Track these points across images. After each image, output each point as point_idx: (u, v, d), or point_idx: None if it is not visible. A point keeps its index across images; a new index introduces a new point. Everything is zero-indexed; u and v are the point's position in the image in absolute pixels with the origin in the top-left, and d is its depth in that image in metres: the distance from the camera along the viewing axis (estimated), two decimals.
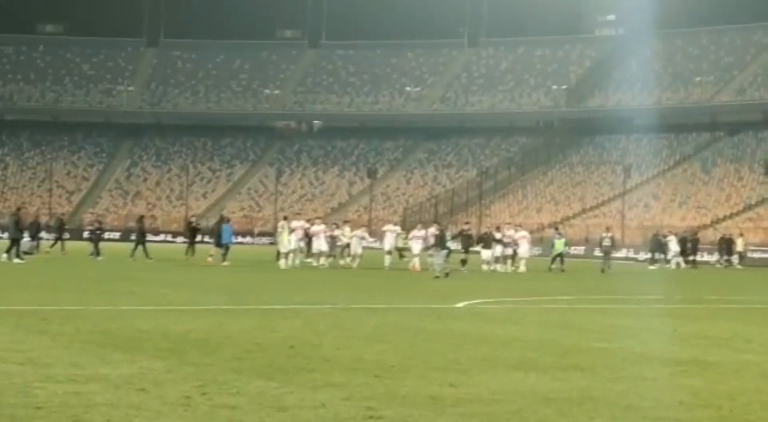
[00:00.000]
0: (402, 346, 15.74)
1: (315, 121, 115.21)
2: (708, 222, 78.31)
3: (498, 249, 44.64)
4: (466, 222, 55.35)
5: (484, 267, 44.10)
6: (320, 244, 43.76)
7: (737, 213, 79.59)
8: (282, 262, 42.98)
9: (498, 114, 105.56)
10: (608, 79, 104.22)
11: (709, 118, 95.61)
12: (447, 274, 36.79)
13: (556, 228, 58.83)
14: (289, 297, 26.26)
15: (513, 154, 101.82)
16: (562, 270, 46.35)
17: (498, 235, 45.23)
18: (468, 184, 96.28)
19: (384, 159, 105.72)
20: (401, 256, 44.91)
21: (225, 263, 42.77)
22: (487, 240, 44.98)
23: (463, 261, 43.88)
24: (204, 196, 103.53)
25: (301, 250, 43.70)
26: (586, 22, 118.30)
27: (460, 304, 24.98)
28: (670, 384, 12.81)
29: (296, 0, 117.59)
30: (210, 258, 43.85)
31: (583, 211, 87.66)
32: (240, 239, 74.93)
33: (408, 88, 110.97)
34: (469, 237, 46.63)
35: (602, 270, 47.52)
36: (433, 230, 41.19)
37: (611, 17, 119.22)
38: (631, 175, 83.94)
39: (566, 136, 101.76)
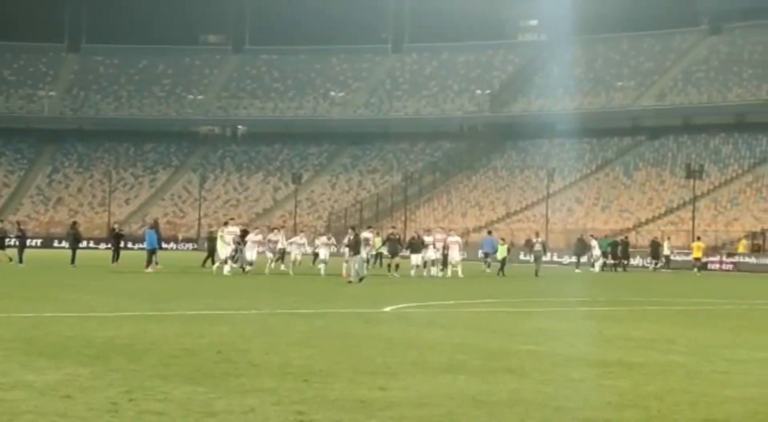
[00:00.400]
0: (330, 351, 15.71)
1: (239, 127, 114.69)
2: (631, 225, 79.07)
3: (430, 253, 44.45)
4: (392, 227, 55.27)
5: (413, 272, 44.00)
6: (252, 254, 43.08)
7: (659, 217, 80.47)
8: (215, 267, 42.81)
9: (422, 119, 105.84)
10: (531, 84, 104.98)
11: (631, 123, 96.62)
12: (361, 279, 36.45)
13: (489, 232, 59.04)
14: (215, 302, 26.10)
15: (437, 158, 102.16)
16: (497, 274, 46.49)
17: (428, 239, 45.01)
18: (393, 189, 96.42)
19: (309, 164, 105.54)
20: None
21: (149, 269, 42.41)
22: (415, 245, 44.83)
23: (390, 266, 43.88)
24: (127, 202, 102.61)
25: (232, 258, 43.20)
26: (508, 27, 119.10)
27: (387, 309, 24.98)
28: (598, 386, 12.90)
29: (219, 5, 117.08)
30: (158, 266, 43.68)
31: (508, 215, 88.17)
32: (163, 245, 74.27)
33: (332, 93, 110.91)
34: (397, 241, 46.56)
35: (536, 274, 47.64)
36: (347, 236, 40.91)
37: (533, 23, 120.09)
38: (554, 179, 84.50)
39: (490, 141, 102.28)
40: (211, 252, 45.48)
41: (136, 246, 64.87)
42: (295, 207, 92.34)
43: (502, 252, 48.53)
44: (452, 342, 17.23)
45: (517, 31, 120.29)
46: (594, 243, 59.29)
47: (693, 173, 74.22)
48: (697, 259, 62.41)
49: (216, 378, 12.62)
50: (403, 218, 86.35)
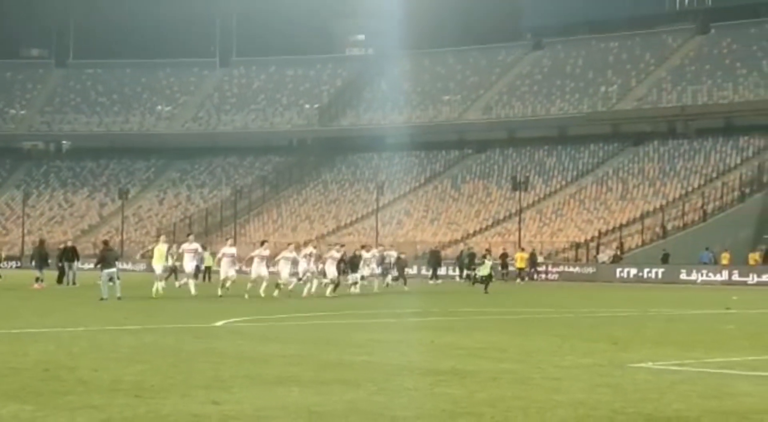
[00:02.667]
0: (162, 366, 15.46)
1: (63, 142, 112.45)
2: (459, 237, 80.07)
3: (372, 269, 44.58)
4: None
5: (353, 289, 42.07)
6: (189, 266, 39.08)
7: (486, 229, 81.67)
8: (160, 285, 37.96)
9: (251, 133, 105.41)
10: (360, 98, 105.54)
11: (458, 136, 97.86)
12: (102, 298, 33.46)
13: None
14: (40, 320, 25.47)
15: (267, 172, 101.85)
16: (476, 287, 45.61)
17: (367, 255, 44.75)
18: (222, 204, 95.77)
19: (135, 179, 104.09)
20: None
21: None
22: (354, 262, 43.36)
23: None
24: None
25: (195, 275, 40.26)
26: (336, 41, 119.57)
27: (219, 323, 24.76)
28: (432, 394, 12.97)
29: (42, 18, 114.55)
30: (36, 284, 42.69)
31: (338, 228, 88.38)
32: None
33: (159, 108, 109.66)
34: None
35: (387, 285, 47.42)
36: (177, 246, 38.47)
37: (361, 37, 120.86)
38: (383, 192, 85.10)
39: (320, 155, 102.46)
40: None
41: None
42: (122, 223, 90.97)
43: (486, 268, 46.20)
44: (286, 355, 17.14)
45: (345, 45, 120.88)
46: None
47: (518, 185, 75.61)
48: (521, 269, 63.95)
49: (44, 396, 12.29)
50: (233, 233, 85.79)
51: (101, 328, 23.01)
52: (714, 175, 79.18)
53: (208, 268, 52.35)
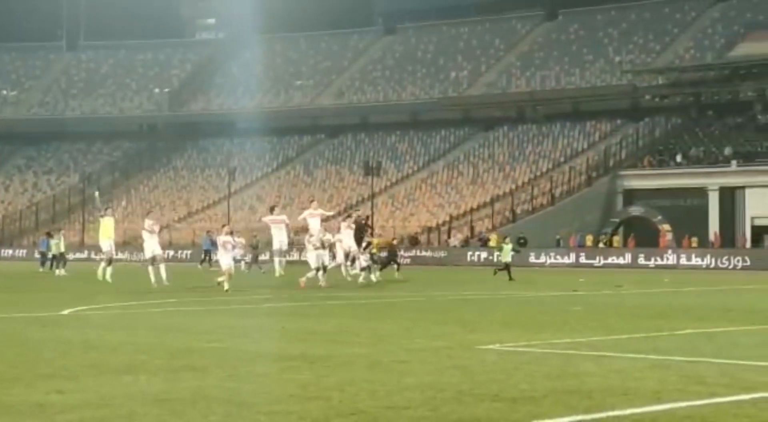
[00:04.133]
0: (6, 355, 15.16)
1: None
2: None
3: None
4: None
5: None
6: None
7: (339, 213, 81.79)
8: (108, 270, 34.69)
9: (99, 118, 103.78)
10: (210, 82, 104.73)
11: (310, 121, 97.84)
12: None
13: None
14: None
15: (116, 158, 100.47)
16: (499, 274, 42.99)
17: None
18: (70, 190, 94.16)
19: None
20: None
21: None
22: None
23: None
24: None
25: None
26: (186, 26, 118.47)
27: (65, 311, 24.33)
28: (281, 379, 12.97)
29: None
30: None
31: (189, 214, 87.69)
32: None
33: (4, 92, 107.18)
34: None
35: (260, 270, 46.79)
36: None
37: (211, 21, 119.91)
38: (235, 177, 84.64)
39: (170, 140, 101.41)
40: None
41: None
42: None
43: (506, 254, 43.96)
44: (134, 343, 16.94)
45: (195, 29, 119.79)
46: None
47: (371, 170, 75.95)
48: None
49: None
50: (81, 220, 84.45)
51: None
52: (562, 159, 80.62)
53: (61, 254, 51.39)
